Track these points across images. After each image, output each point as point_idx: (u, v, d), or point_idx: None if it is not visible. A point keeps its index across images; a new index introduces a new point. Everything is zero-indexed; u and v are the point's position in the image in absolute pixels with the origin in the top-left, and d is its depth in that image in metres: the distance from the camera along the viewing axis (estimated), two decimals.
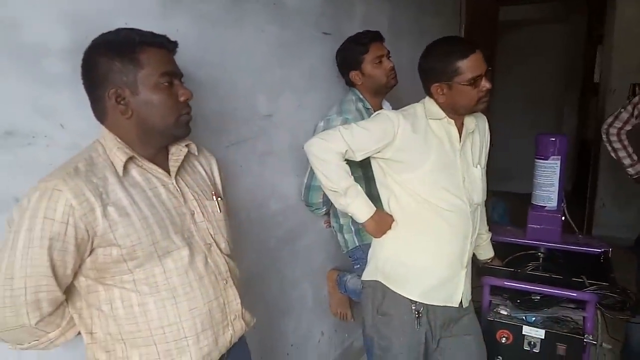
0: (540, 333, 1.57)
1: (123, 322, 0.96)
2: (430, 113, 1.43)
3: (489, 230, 1.75)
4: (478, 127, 1.51)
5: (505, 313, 1.66)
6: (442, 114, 1.42)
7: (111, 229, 0.91)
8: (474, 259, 1.76)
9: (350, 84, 1.97)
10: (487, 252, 1.77)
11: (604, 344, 1.56)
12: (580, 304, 1.69)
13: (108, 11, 1.15)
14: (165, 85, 0.97)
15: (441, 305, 1.45)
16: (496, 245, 1.93)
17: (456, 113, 1.43)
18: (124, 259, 0.93)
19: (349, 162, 1.45)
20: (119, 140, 0.97)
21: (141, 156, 0.99)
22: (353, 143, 1.40)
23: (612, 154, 2.32)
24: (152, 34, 0.98)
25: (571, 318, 1.62)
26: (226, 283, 1.08)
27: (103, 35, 0.97)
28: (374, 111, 1.59)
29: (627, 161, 2.26)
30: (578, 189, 5.19)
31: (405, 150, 1.39)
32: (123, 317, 0.96)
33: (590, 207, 4.47)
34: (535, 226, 2.02)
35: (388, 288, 1.46)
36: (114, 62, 0.94)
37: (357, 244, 1.92)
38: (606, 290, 1.58)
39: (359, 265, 1.90)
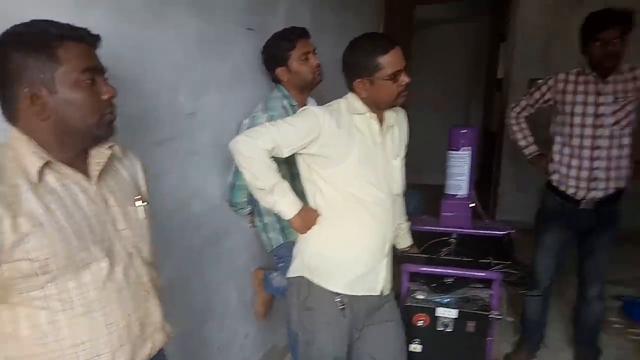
0: (453, 313, 1.72)
1: (28, 343, 0.89)
2: (353, 108, 1.50)
3: (408, 219, 1.87)
4: (397, 121, 1.60)
5: (422, 297, 1.79)
6: (364, 108, 1.49)
7: (22, 241, 0.84)
8: (394, 248, 1.88)
9: (276, 80, 1.98)
10: (405, 241, 1.88)
11: (508, 318, 1.75)
12: (487, 283, 1.86)
13: (12, 1, 1.06)
14: (87, 82, 0.91)
15: (365, 295, 1.54)
16: (413, 234, 2.04)
17: (378, 107, 1.50)
18: (35, 274, 0.86)
19: (274, 159, 1.48)
20: (34, 144, 0.89)
21: (58, 160, 0.92)
22: (280, 139, 1.42)
23: (511, 137, 2.50)
24: (70, 26, 0.91)
25: (480, 296, 1.79)
26: (148, 294, 1.05)
27: (14, 28, 0.88)
28: (300, 108, 1.62)
29: (522, 142, 2.43)
30: (484, 177, 5.65)
31: (330, 146, 1.44)
32: (28, 337, 0.89)
33: (494, 193, 4.87)
34: (448, 214, 2.19)
35: (313, 283, 1.51)
36: (28, 58, 0.86)
37: (282, 242, 1.94)
38: (509, 269, 1.75)
39: (283, 263, 1.92)
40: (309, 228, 1.52)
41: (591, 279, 2.37)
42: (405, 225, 1.85)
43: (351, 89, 1.51)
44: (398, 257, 1.90)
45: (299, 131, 1.44)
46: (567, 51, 2.81)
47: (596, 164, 2.15)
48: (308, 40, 1.96)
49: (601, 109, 2.11)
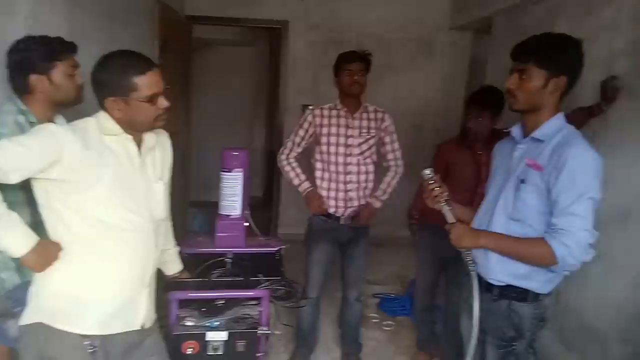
0: (222, 335, 1.70)
1: None
2: (104, 128, 1.35)
3: (177, 244, 1.78)
4: (159, 143, 1.51)
5: (191, 324, 1.72)
6: (117, 129, 1.36)
7: None
8: (163, 275, 1.77)
9: (21, 90, 1.67)
10: (175, 266, 1.79)
11: (275, 332, 1.81)
12: (259, 300, 1.89)
13: None
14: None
15: (122, 332, 1.39)
16: (189, 257, 1.98)
17: (133, 129, 1.39)
18: None
19: (4, 186, 1.23)
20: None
21: None
22: (6, 163, 1.20)
23: (286, 177, 2.65)
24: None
25: (250, 315, 1.81)
26: None
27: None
28: None
29: (296, 181, 2.60)
30: (268, 194, 5.93)
31: (75, 169, 1.27)
32: None
33: (275, 209, 5.14)
34: (222, 234, 2.18)
35: (53, 328, 1.30)
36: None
37: (18, 282, 1.62)
38: (277, 284, 1.82)
39: (20, 308, 1.60)
40: (48, 265, 1.30)
41: (352, 284, 2.67)
42: (173, 251, 1.76)
43: (103, 107, 1.37)
44: (167, 284, 1.80)
45: (32, 153, 1.23)
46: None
47: (349, 186, 2.48)
48: (73, 55, 1.75)
49: (349, 141, 2.45)
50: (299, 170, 2.61)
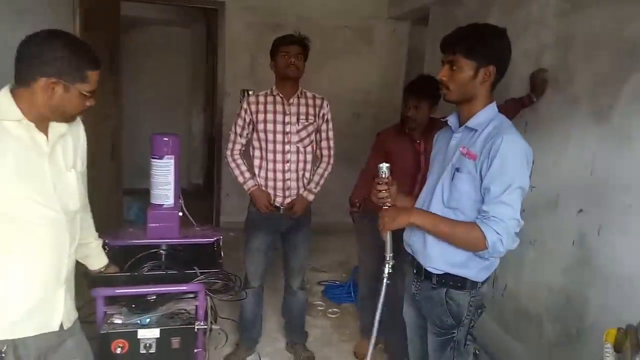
0: (155, 332, 1.60)
1: None
2: (1, 112, 1.20)
3: (98, 237, 1.65)
4: (71, 130, 1.38)
5: (120, 321, 1.61)
6: (18, 114, 1.21)
7: None
8: (86, 269, 1.64)
9: None
10: (99, 261, 1.66)
11: (214, 326, 1.73)
12: (195, 294, 1.80)
13: None
14: None
15: (35, 334, 1.26)
16: (119, 249, 1.88)
17: (52, 117, 1.28)
18: None
19: None
20: None
21: None
22: None
23: (232, 175, 2.53)
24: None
25: (185, 310, 1.71)
26: None
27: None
28: None
29: (240, 179, 2.49)
30: (209, 182, 5.75)
31: None
32: None
33: (217, 198, 4.99)
34: (154, 225, 2.05)
35: None
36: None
37: None
38: (214, 277, 1.74)
39: None
40: None
41: (294, 272, 2.63)
42: (95, 244, 1.63)
43: (24, 83, 1.21)
44: (92, 280, 1.67)
45: None
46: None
47: (287, 175, 2.42)
48: None
49: (287, 127, 2.38)
50: (243, 168, 2.51)
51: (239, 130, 2.47)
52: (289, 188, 2.45)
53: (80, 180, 1.40)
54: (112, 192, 4.38)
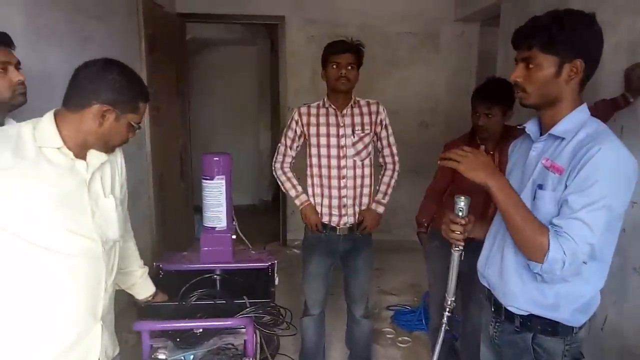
0: None
1: None
2: (41, 139, 1.15)
3: (144, 264, 1.58)
4: (110, 160, 1.32)
5: (163, 357, 1.51)
6: (59, 141, 1.16)
7: None
8: (134, 299, 1.58)
9: None
10: (145, 290, 1.59)
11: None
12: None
13: None
14: None
15: None
16: (174, 274, 1.85)
17: (97, 145, 1.24)
18: None
19: None
20: None
21: None
22: None
23: (282, 188, 2.43)
24: None
25: (232, 345, 1.59)
26: None
27: None
28: None
29: (292, 192, 2.37)
30: (277, 199, 5.73)
31: (4, 183, 1.08)
32: None
33: (283, 215, 4.92)
34: (208, 249, 1.99)
35: None
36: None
37: None
38: (261, 310, 1.60)
39: None
40: None
41: (356, 299, 2.44)
42: (140, 272, 1.56)
43: (76, 108, 1.18)
44: (140, 310, 1.60)
45: None
46: None
47: (344, 192, 2.24)
48: (8, 50, 1.55)
49: (342, 141, 2.21)
50: (294, 181, 2.38)
51: (288, 142, 2.35)
52: (345, 206, 2.27)
53: (120, 207, 1.34)
54: (182, 211, 4.46)
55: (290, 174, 2.38)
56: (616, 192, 1.12)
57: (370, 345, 2.60)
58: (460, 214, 1.33)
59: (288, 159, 2.38)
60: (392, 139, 2.35)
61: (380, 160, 2.40)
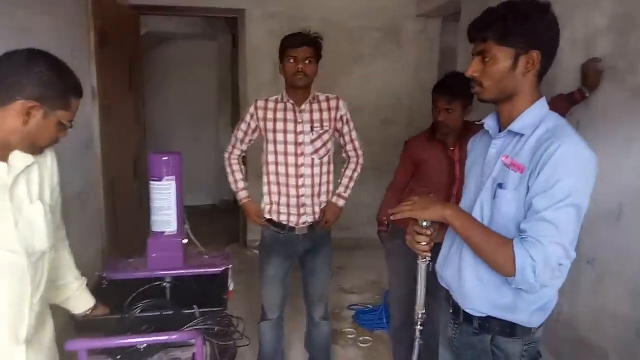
0: None
1: None
2: None
3: (81, 275, 1.45)
4: (39, 162, 1.19)
5: None
6: None
7: None
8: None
9: None
10: (83, 303, 1.46)
11: None
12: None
13: None
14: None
15: None
16: (118, 284, 1.71)
17: (21, 146, 1.11)
18: None
19: None
20: None
21: None
22: None
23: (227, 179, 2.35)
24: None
25: (180, 358, 1.49)
26: None
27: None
28: None
29: (233, 187, 2.30)
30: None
31: None
32: None
33: (243, 215, 4.77)
34: (156, 254, 1.86)
35: None
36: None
37: None
38: (213, 319, 1.50)
39: None
40: None
41: (315, 301, 2.37)
42: (77, 285, 1.44)
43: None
44: (77, 325, 1.47)
45: None
46: None
47: (302, 191, 2.16)
48: None
49: (300, 138, 2.13)
50: (238, 176, 2.30)
51: (240, 135, 2.26)
52: (303, 205, 2.19)
53: (50, 214, 1.20)
54: (137, 213, 4.26)
55: (235, 167, 2.31)
56: (579, 189, 1.08)
57: (329, 348, 2.53)
58: (425, 224, 1.26)
59: (237, 151, 2.30)
60: (354, 134, 2.29)
61: (344, 155, 2.34)
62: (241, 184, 2.29)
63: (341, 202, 2.29)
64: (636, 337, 1.89)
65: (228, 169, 2.31)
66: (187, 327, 1.44)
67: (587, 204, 1.09)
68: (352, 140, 2.29)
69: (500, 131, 1.27)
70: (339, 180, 2.32)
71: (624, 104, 1.99)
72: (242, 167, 2.34)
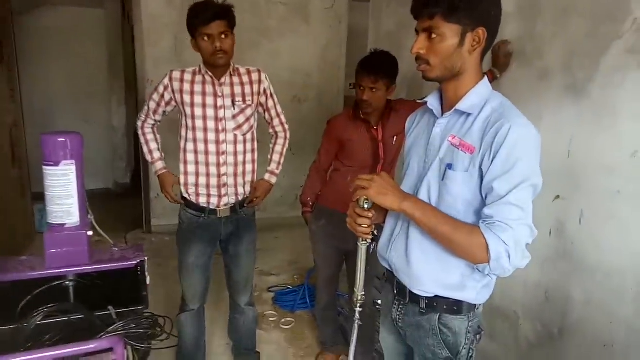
0: None
1: None
2: None
3: None
4: None
5: None
6: None
7: None
8: None
9: None
10: None
11: None
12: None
13: None
14: None
15: None
16: (8, 287, 1.47)
17: None
18: None
19: None
20: None
21: None
22: None
23: (141, 150, 2.17)
24: None
25: None
26: None
27: None
28: None
29: (148, 157, 2.14)
30: (137, 181, 5.15)
31: None
32: None
33: (146, 199, 4.44)
34: (55, 250, 1.60)
35: None
36: None
37: None
38: (135, 321, 1.32)
39: None
40: None
41: (240, 288, 2.25)
42: None
43: None
44: None
45: None
46: None
47: (224, 169, 2.01)
48: None
49: (221, 113, 1.97)
50: (153, 145, 2.12)
51: (152, 106, 2.05)
52: (225, 185, 2.04)
53: None
54: (17, 200, 3.75)
55: (150, 136, 2.12)
56: (535, 169, 1.09)
57: (255, 334, 2.44)
58: (366, 205, 1.20)
59: (150, 121, 2.10)
60: (279, 108, 2.19)
61: (271, 131, 2.25)
62: (157, 154, 2.12)
63: (274, 180, 2.22)
64: (545, 300, 2.05)
65: (142, 139, 2.12)
66: (107, 333, 1.24)
67: (541, 180, 1.11)
68: (278, 115, 2.19)
69: (443, 110, 1.24)
70: (269, 157, 2.23)
71: (532, 85, 2.11)
72: (158, 136, 2.15)
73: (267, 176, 2.19)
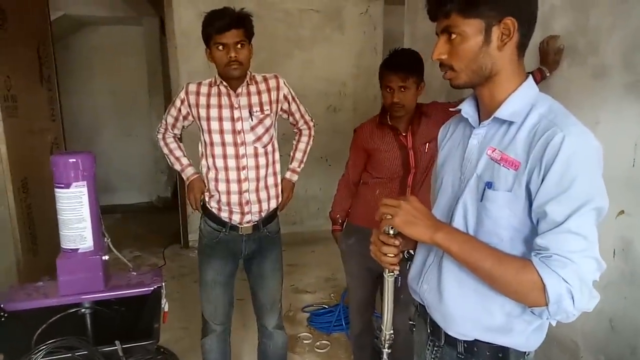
0: None
1: None
2: None
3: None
4: None
5: None
6: None
7: None
8: None
9: None
10: None
11: None
12: None
13: None
14: None
15: None
16: (22, 316, 1.42)
17: None
18: None
19: None
20: None
21: None
22: None
23: (168, 162, 2.11)
24: None
25: None
26: None
27: None
28: None
29: (177, 166, 2.06)
30: (177, 195, 5.18)
31: None
32: None
33: (183, 214, 4.42)
34: (69, 277, 1.53)
35: None
36: None
37: None
38: (143, 357, 1.22)
39: None
40: None
41: (266, 310, 2.11)
42: None
43: None
44: None
45: None
46: None
47: (245, 185, 1.89)
48: None
49: (239, 125, 1.85)
50: (178, 153, 2.05)
51: (170, 121, 1.97)
52: (247, 202, 1.91)
53: None
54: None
55: (173, 145, 2.05)
56: (598, 187, 0.88)
57: (286, 358, 2.29)
58: (391, 232, 1.03)
59: (170, 133, 2.04)
60: (302, 108, 2.07)
61: (295, 131, 2.15)
62: (185, 160, 2.04)
63: (295, 178, 2.11)
64: (610, 329, 1.79)
65: (165, 149, 2.04)
66: None
67: (607, 204, 0.90)
68: (302, 116, 2.08)
69: (480, 119, 1.06)
70: (292, 154, 2.13)
71: (587, 84, 1.87)
72: (181, 144, 2.07)
73: (288, 174, 2.09)
